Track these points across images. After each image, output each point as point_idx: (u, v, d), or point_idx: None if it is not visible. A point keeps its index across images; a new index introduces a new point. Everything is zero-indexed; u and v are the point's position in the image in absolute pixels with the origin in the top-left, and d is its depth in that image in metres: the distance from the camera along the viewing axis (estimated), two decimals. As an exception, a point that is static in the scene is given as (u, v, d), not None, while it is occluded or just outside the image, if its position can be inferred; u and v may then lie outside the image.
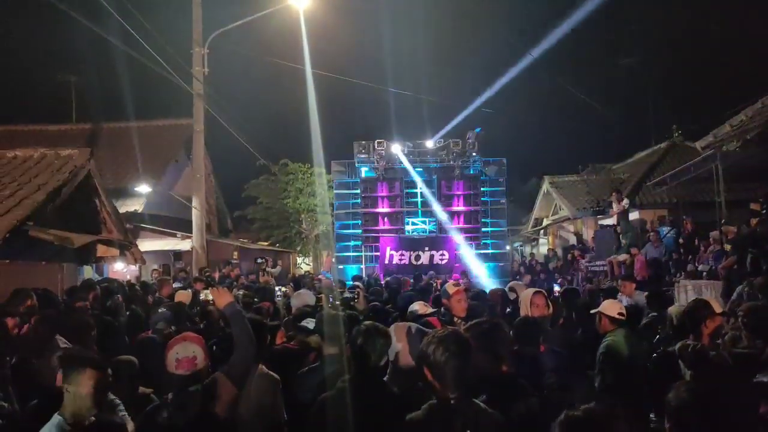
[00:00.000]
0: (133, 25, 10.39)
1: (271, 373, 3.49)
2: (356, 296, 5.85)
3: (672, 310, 4.54)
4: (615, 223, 15.55)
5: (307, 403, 3.03)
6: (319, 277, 14.37)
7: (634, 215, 15.97)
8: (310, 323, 4.47)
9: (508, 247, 22.49)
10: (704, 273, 10.59)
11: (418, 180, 18.44)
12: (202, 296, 6.49)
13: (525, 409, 2.92)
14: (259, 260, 16.17)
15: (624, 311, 4.79)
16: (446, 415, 2.29)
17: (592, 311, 4.97)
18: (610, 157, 25.14)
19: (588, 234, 19.19)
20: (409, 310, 4.61)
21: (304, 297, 6.05)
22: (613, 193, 15.32)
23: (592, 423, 1.63)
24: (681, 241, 12.87)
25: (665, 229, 14.28)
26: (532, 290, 4.87)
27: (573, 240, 20.93)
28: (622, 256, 13.64)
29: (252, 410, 3.12)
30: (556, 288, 8.48)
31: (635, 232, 14.34)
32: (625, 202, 15.27)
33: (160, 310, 6.49)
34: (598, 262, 15.34)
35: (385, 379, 3.04)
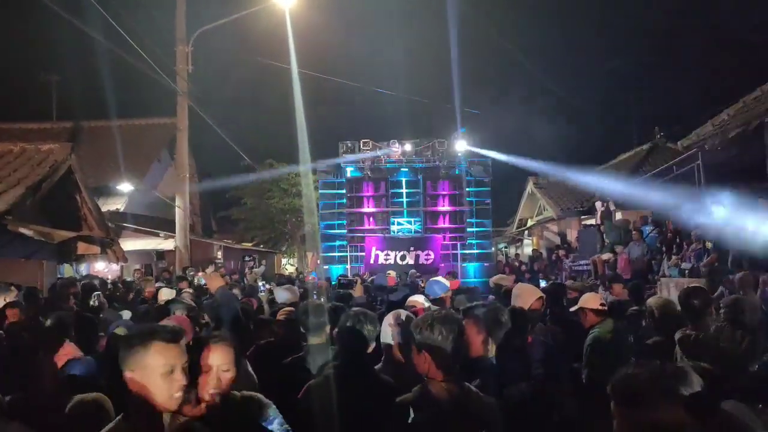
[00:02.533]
0: (116, 22, 10.25)
1: (252, 373, 3.51)
2: (354, 283, 5.82)
3: (651, 302, 4.55)
4: (599, 222, 15.72)
5: (294, 393, 2.98)
6: (309, 277, 14.30)
7: (617, 215, 16.14)
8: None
9: (493, 248, 22.58)
10: (687, 271, 10.71)
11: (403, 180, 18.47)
12: (195, 281, 6.61)
13: (517, 394, 2.91)
14: (247, 258, 16.06)
15: (605, 302, 4.81)
16: (438, 397, 2.26)
17: (573, 309, 4.97)
18: (593, 159, 25.42)
19: (572, 234, 19.34)
20: (408, 302, 4.59)
21: (287, 293, 5.98)
22: (596, 194, 15.46)
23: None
24: (659, 243, 13.03)
25: (648, 228, 14.43)
26: (535, 293, 4.71)
27: (557, 240, 21.08)
28: (606, 255, 13.76)
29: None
30: (542, 284, 8.50)
31: (618, 232, 14.47)
32: (611, 202, 15.45)
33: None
34: (581, 262, 15.45)
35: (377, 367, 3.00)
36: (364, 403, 2.52)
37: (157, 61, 12.45)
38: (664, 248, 12.70)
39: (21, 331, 4.63)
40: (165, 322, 3.04)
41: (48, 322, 4.75)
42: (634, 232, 13.92)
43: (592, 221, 16.75)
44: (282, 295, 5.69)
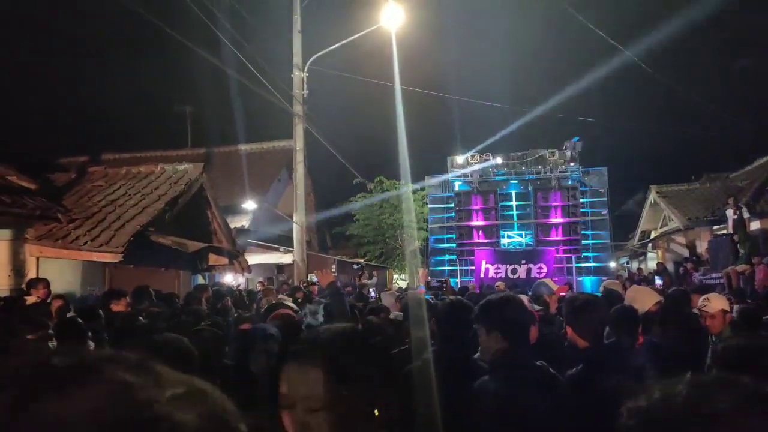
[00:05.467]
0: (239, 53, 11.29)
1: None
2: (444, 286, 5.97)
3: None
4: (731, 232, 14.42)
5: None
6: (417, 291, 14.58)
7: (754, 224, 14.69)
8: (398, 316, 4.65)
9: (613, 263, 21.40)
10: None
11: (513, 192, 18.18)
12: (309, 278, 7.33)
13: (610, 387, 2.84)
14: (355, 266, 16.73)
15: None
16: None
17: (694, 309, 4.70)
18: (724, 167, 23.34)
19: (702, 246, 17.86)
20: None
21: (391, 297, 6.32)
22: (730, 200, 14.24)
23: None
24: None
25: (791, 238, 13.04)
26: (652, 297, 4.72)
27: (685, 253, 19.55)
28: (741, 267, 12.60)
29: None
30: (658, 281, 8.03)
31: (755, 242, 13.19)
32: (744, 210, 14.15)
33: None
34: (713, 275, 14.23)
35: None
36: (461, 386, 2.60)
37: (276, 88, 13.48)
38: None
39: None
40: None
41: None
42: (774, 241, 12.64)
43: (724, 231, 15.39)
44: (387, 298, 5.96)
